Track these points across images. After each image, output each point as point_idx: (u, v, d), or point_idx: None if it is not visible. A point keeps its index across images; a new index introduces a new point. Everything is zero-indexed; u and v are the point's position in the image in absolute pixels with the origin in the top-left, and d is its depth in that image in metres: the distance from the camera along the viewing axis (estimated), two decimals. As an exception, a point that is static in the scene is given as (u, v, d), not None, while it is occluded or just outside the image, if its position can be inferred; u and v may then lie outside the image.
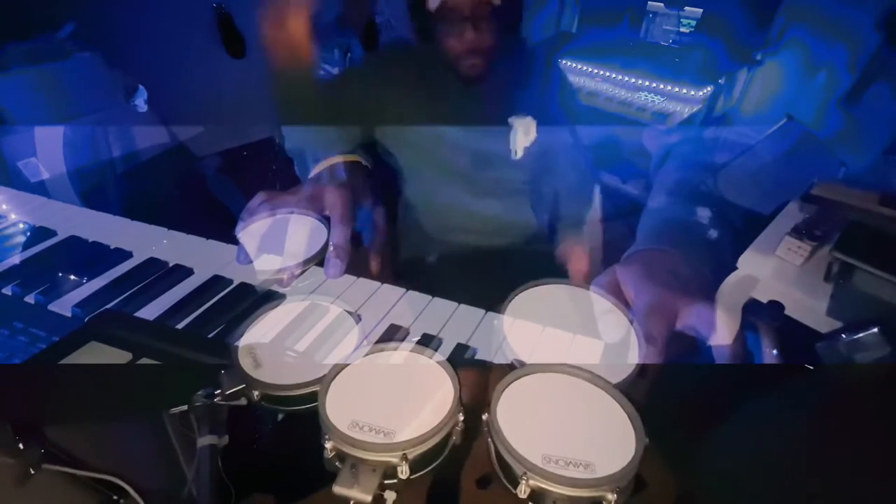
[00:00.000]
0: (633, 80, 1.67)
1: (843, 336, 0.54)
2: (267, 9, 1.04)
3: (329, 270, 0.59)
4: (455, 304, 0.65)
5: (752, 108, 1.63)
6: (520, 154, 0.88)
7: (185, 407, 0.44)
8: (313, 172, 0.73)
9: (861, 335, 0.53)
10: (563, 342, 0.53)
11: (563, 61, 1.75)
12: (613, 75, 1.71)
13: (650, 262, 0.56)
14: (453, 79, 0.84)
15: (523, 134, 0.87)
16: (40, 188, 1.48)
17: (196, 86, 2.14)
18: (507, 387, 0.46)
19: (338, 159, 0.74)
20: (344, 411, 0.43)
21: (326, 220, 0.64)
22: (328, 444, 0.41)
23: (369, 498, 0.38)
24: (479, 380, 0.51)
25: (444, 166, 0.91)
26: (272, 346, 0.51)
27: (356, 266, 0.65)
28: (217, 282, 0.68)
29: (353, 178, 0.69)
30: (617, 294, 0.55)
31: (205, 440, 0.41)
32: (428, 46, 0.83)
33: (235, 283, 0.68)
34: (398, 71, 0.90)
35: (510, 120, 0.86)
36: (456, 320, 0.63)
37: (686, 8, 1.63)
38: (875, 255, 0.63)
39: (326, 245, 0.62)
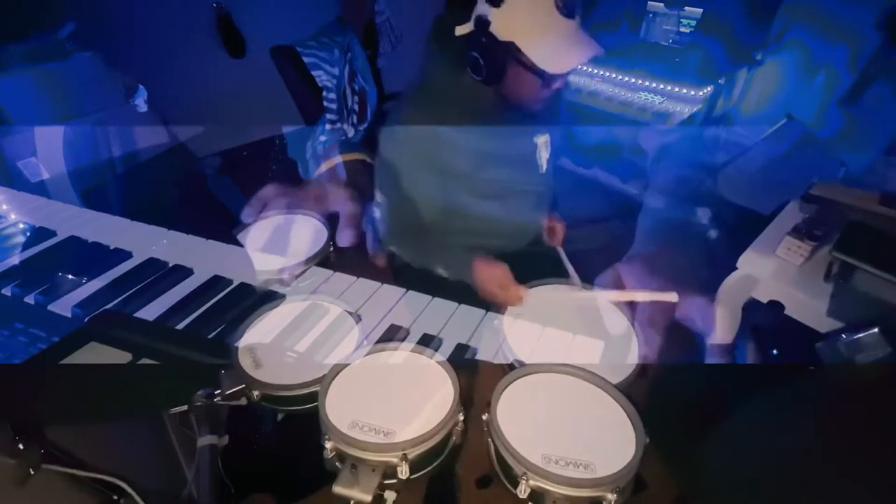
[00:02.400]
0: (633, 80, 1.67)
1: (843, 336, 0.54)
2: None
3: (342, 239, 0.61)
4: (455, 304, 0.65)
5: (752, 108, 1.63)
6: (545, 168, 0.90)
7: (185, 407, 0.44)
8: (318, 172, 0.74)
9: (861, 335, 0.53)
10: (563, 342, 0.53)
11: (563, 61, 1.75)
12: (614, 75, 1.70)
13: (651, 260, 0.57)
14: (456, 83, 0.84)
15: (545, 149, 0.89)
16: (40, 188, 1.48)
17: (196, 86, 2.13)
18: (507, 387, 0.46)
19: (341, 158, 0.74)
20: (344, 411, 0.43)
21: (328, 222, 0.64)
22: (328, 444, 0.41)
23: (369, 498, 0.38)
24: (479, 380, 0.51)
25: (445, 167, 0.91)
26: (272, 346, 0.51)
27: (356, 266, 0.65)
28: (217, 282, 0.68)
29: (357, 178, 0.69)
30: (619, 290, 0.55)
31: (205, 440, 0.41)
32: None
33: (235, 283, 0.68)
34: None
35: (535, 139, 0.88)
36: (456, 320, 0.63)
37: (686, 8, 1.62)
38: (875, 255, 0.63)
39: (327, 245, 0.63)
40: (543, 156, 0.89)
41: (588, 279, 0.58)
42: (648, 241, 0.63)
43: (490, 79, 0.81)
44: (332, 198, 0.64)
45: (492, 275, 0.73)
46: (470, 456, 0.45)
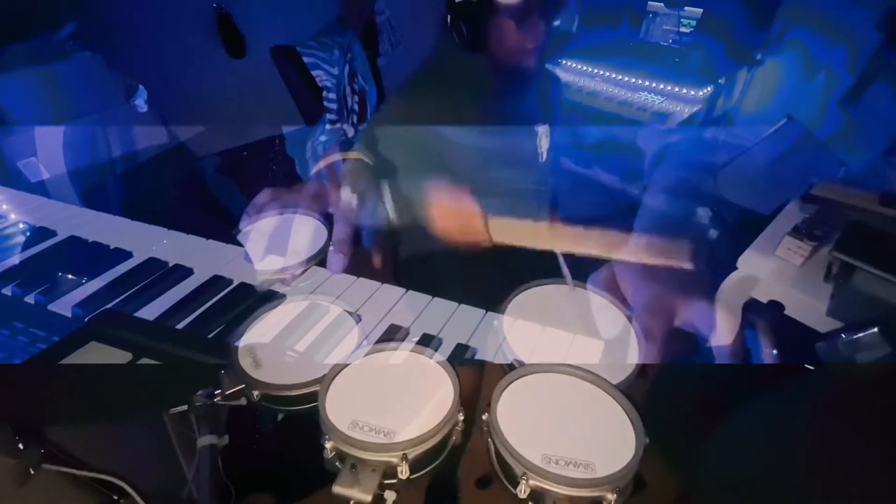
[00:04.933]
0: (633, 80, 1.67)
1: (843, 336, 0.54)
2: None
3: (332, 265, 0.60)
4: (455, 304, 0.65)
5: (752, 108, 1.63)
6: (545, 157, 0.90)
7: (185, 407, 0.44)
8: (315, 169, 0.74)
9: (861, 335, 0.53)
10: (563, 342, 0.53)
11: (564, 61, 1.75)
12: (613, 75, 1.70)
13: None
14: (456, 79, 0.84)
15: (545, 138, 0.89)
16: (40, 188, 1.48)
17: (196, 86, 2.13)
18: (507, 387, 0.46)
19: (339, 156, 0.74)
20: (344, 411, 0.43)
21: (327, 220, 0.64)
22: (328, 444, 0.41)
23: (369, 498, 0.38)
24: (479, 380, 0.51)
25: (446, 166, 0.92)
26: (272, 346, 0.51)
27: (356, 266, 0.65)
28: (217, 282, 0.68)
29: (355, 176, 0.69)
30: (614, 290, 0.55)
31: (205, 440, 0.41)
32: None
33: (235, 283, 0.68)
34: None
35: (536, 128, 0.88)
36: (456, 320, 0.63)
37: (686, 8, 1.63)
38: (875, 255, 0.63)
39: (327, 245, 0.63)
40: (544, 145, 0.90)
41: (586, 279, 0.58)
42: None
43: (475, 41, 0.81)
44: (330, 196, 0.65)
45: (450, 209, 0.68)
46: (470, 456, 0.45)
